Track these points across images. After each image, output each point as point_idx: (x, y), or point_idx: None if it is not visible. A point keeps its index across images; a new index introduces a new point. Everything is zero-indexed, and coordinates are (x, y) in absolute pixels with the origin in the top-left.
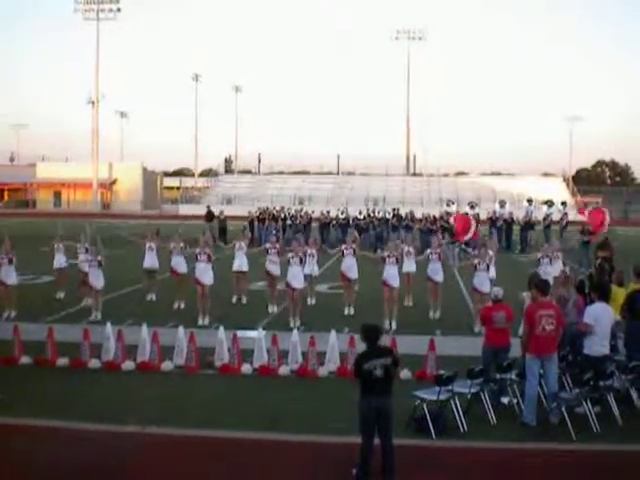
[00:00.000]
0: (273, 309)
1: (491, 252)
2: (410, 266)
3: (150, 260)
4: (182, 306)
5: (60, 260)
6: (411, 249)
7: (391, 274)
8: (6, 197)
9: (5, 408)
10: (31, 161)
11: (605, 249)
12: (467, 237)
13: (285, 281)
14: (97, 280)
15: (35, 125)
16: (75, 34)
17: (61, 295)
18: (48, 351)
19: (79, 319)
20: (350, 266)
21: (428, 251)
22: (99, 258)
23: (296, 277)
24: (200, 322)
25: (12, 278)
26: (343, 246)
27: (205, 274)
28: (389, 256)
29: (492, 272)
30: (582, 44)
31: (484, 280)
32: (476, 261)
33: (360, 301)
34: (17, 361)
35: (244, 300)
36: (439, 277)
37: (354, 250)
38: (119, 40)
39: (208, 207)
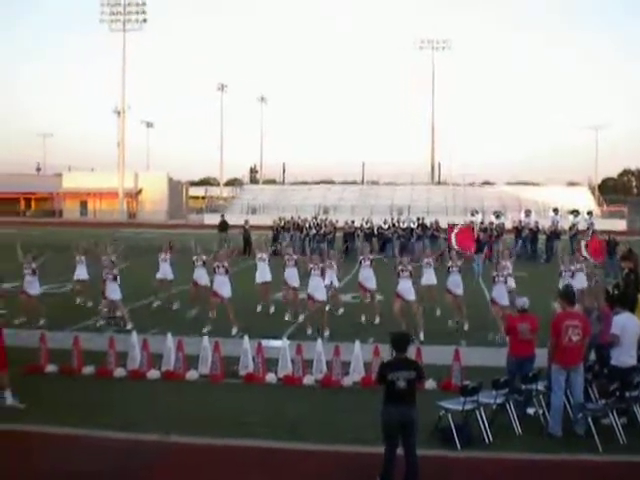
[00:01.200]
0: (296, 319)
1: (508, 263)
2: (429, 279)
3: (163, 271)
4: (193, 314)
5: (81, 272)
6: (430, 261)
7: (405, 287)
8: (33, 206)
9: (30, 416)
10: (57, 171)
11: (629, 260)
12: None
13: (306, 292)
14: (113, 293)
15: (61, 135)
16: (101, 44)
17: (81, 301)
18: (74, 359)
19: (105, 328)
20: (367, 277)
21: (448, 263)
22: (115, 272)
23: (317, 288)
24: (233, 333)
25: (35, 289)
26: (360, 257)
27: (223, 286)
28: (402, 270)
29: (511, 283)
30: (607, 52)
31: (502, 292)
32: (494, 273)
33: (384, 311)
34: (43, 369)
35: (272, 309)
36: (459, 290)
37: (371, 261)
38: (145, 50)
39: (222, 216)
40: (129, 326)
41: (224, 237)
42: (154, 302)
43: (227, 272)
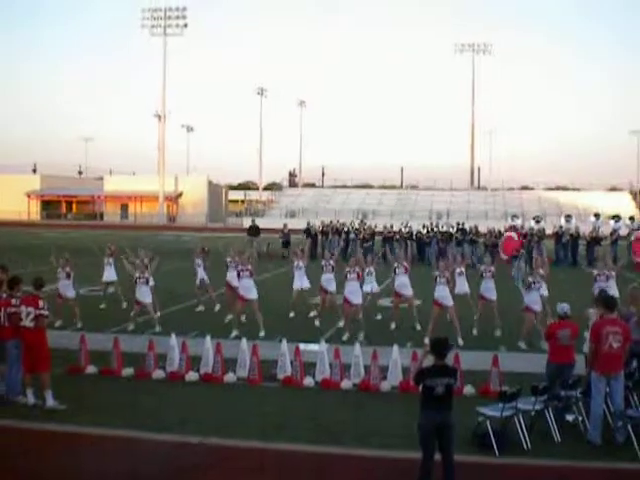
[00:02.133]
0: (316, 319)
1: (542, 271)
2: (462, 287)
3: (200, 276)
4: (229, 318)
5: (109, 274)
6: (462, 269)
7: (442, 294)
8: (75, 209)
9: (71, 417)
10: (99, 174)
11: None
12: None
13: (343, 296)
14: (143, 296)
15: (103, 139)
16: (142, 49)
17: (102, 306)
18: (114, 361)
19: (144, 329)
20: (403, 284)
21: (482, 268)
22: (147, 275)
23: (353, 293)
24: (233, 333)
25: (71, 292)
26: (395, 264)
27: (249, 290)
28: (440, 276)
29: (543, 290)
30: None
31: (535, 299)
32: (530, 279)
33: (421, 317)
34: (83, 371)
35: (311, 314)
36: (492, 295)
37: (405, 268)
38: (186, 55)
39: (253, 221)
40: (157, 329)
41: (252, 241)
42: (197, 307)
43: (251, 275)
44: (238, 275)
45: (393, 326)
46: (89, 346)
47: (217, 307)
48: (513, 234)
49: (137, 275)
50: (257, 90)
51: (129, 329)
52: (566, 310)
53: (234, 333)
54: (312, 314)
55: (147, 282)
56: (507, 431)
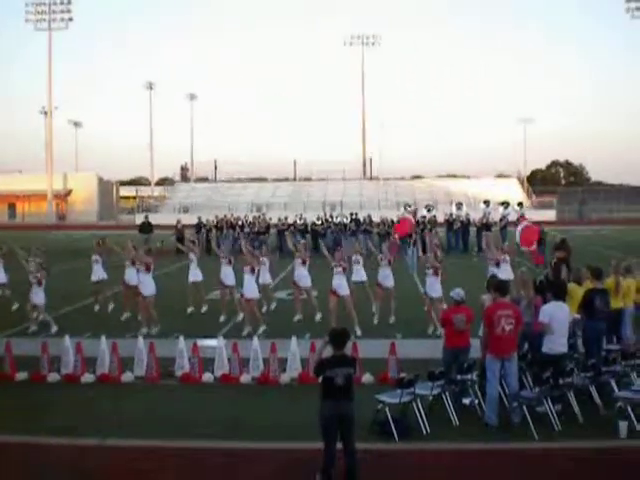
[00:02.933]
0: (234, 318)
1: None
2: (359, 275)
3: (98, 273)
4: (129, 316)
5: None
6: (359, 258)
7: (338, 283)
8: None
9: None
10: None
11: (562, 249)
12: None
13: (240, 291)
14: (36, 297)
15: None
16: (27, 44)
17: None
18: (6, 365)
19: (34, 333)
20: (301, 276)
21: (379, 256)
22: (38, 275)
23: (249, 287)
24: (145, 331)
25: None
26: (296, 255)
27: (145, 285)
28: (336, 266)
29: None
30: (528, 44)
31: (434, 284)
32: (427, 265)
33: (320, 307)
34: None
35: (203, 309)
36: (389, 282)
37: (303, 260)
38: (72, 50)
39: (146, 217)
40: (53, 329)
41: (147, 239)
42: (95, 306)
43: (148, 270)
44: (137, 271)
45: (297, 317)
46: None
47: (111, 306)
48: (410, 217)
49: (31, 276)
50: (146, 84)
51: (30, 331)
52: (462, 295)
53: (145, 330)
54: (204, 309)
55: (40, 283)
56: (406, 417)
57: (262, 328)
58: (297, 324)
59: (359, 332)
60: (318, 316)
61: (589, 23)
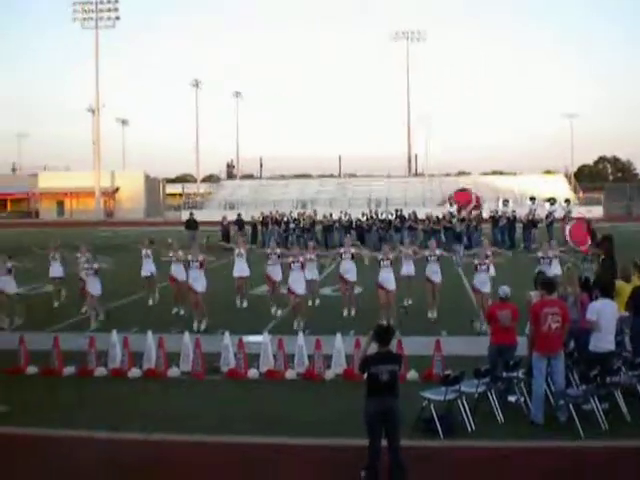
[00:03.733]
0: (276, 312)
1: (489, 252)
2: (408, 269)
3: (147, 267)
4: (182, 312)
5: (56, 269)
6: (409, 251)
7: (386, 277)
8: (9, 207)
9: (11, 418)
10: (33, 171)
11: (604, 246)
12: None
13: (287, 286)
14: (94, 288)
15: (36, 135)
16: (74, 42)
17: (56, 304)
18: (54, 360)
19: (83, 327)
20: (348, 269)
21: (427, 252)
22: (95, 266)
23: (297, 282)
24: (195, 327)
25: (12, 288)
26: (342, 249)
27: (197, 281)
28: (383, 259)
29: (492, 271)
30: (574, 40)
31: (485, 280)
32: (476, 261)
33: (361, 303)
34: (24, 371)
35: (244, 304)
36: (437, 278)
37: (352, 254)
38: (118, 48)
39: (191, 214)
40: (94, 326)
41: (192, 235)
42: (149, 300)
43: (201, 266)
44: (188, 265)
45: (346, 313)
46: (29, 346)
47: (152, 301)
48: (469, 187)
49: (86, 266)
50: (192, 82)
51: (92, 327)
52: (507, 292)
53: (195, 327)
54: (273, 312)
55: (96, 273)
56: (451, 414)
57: (302, 323)
58: (341, 320)
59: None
60: (353, 312)
61: (635, 19)
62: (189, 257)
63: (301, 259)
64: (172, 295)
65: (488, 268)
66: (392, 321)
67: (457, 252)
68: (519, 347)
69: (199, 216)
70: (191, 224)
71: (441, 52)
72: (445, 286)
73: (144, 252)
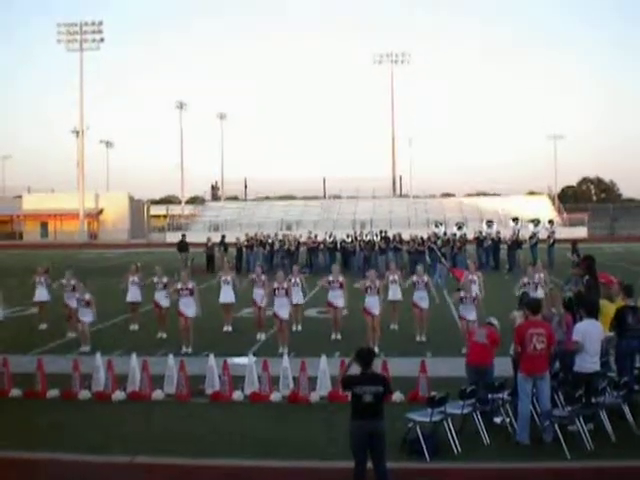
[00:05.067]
0: (261, 336)
1: (475, 277)
2: (395, 294)
3: (133, 294)
4: (164, 336)
5: (41, 293)
6: (396, 277)
7: (372, 302)
8: None
9: None
10: (17, 193)
11: (579, 266)
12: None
13: (273, 311)
14: (86, 317)
15: (20, 156)
16: (59, 64)
17: (43, 326)
18: (38, 383)
19: (67, 350)
20: (336, 296)
21: (414, 278)
22: (87, 297)
23: (282, 307)
24: (183, 350)
25: None
26: (330, 278)
27: (189, 307)
28: (370, 287)
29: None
30: (558, 61)
31: (470, 309)
32: (462, 294)
33: (347, 326)
34: (7, 394)
35: (230, 328)
36: (424, 304)
37: (341, 284)
38: (103, 70)
39: (183, 236)
40: (87, 349)
41: (184, 257)
42: (130, 325)
43: (192, 293)
44: (178, 293)
45: (334, 336)
46: (12, 369)
47: (135, 326)
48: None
49: (78, 297)
50: (177, 104)
51: (81, 350)
52: (490, 319)
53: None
54: (258, 337)
55: (87, 305)
56: (437, 436)
57: (286, 347)
58: (326, 343)
59: (376, 349)
60: (338, 335)
61: (618, 39)
62: (178, 285)
63: (285, 285)
64: (156, 319)
65: (474, 299)
66: (376, 344)
67: (439, 271)
68: (502, 367)
69: None
70: (183, 246)
71: (425, 74)
72: (430, 309)
73: (131, 279)
